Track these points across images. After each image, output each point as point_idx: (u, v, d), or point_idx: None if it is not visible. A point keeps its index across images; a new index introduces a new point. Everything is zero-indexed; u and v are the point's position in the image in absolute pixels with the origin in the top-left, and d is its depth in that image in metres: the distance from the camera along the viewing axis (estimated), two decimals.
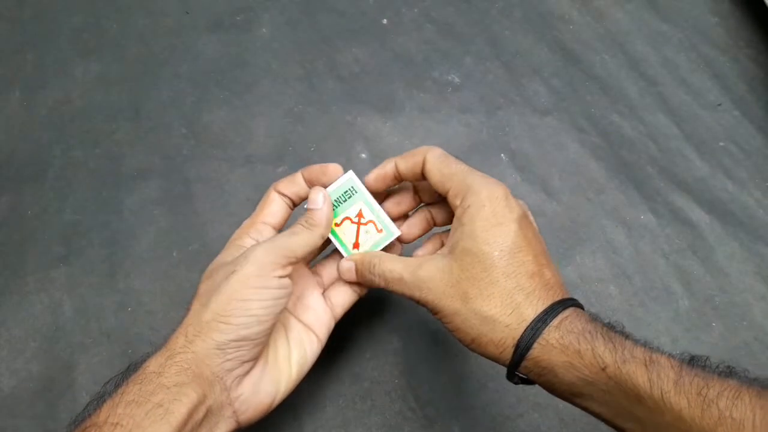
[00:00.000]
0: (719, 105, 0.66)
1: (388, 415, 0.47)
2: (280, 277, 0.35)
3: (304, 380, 0.47)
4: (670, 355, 0.29)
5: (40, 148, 0.58)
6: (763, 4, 0.70)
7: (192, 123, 0.61)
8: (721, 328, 0.52)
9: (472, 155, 0.60)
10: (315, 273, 0.43)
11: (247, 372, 0.35)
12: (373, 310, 0.51)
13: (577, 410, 0.47)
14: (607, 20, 0.72)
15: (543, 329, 0.32)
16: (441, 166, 0.38)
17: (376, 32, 0.69)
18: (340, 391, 0.47)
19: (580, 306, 0.34)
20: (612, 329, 0.32)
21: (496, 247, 0.34)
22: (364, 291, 0.42)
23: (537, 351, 0.32)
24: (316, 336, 0.40)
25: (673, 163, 0.61)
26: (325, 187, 0.41)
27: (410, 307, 0.51)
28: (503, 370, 0.48)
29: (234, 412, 0.34)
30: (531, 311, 0.32)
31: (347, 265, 0.41)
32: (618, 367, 0.29)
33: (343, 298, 0.42)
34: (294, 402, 0.47)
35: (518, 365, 0.32)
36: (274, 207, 0.41)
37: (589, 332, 0.31)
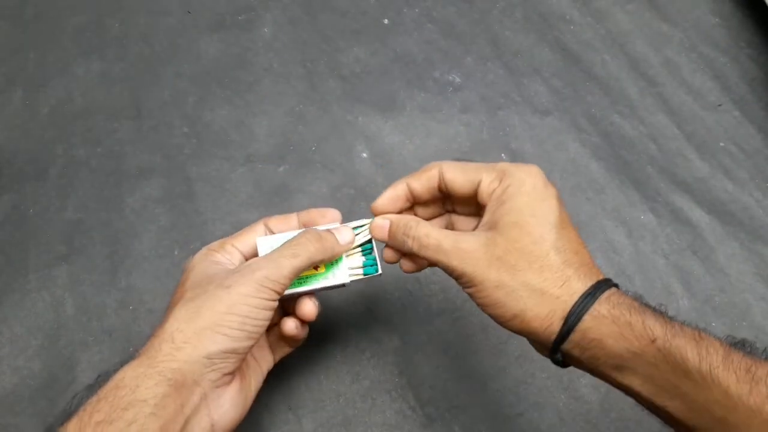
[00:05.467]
0: (720, 105, 0.66)
1: (388, 414, 0.47)
2: (273, 299, 0.35)
3: (304, 380, 0.48)
4: (717, 337, 0.29)
5: (41, 146, 0.58)
6: (764, 4, 0.70)
7: (193, 122, 0.61)
8: (721, 328, 0.52)
9: (472, 155, 0.60)
10: None
11: (228, 384, 0.35)
12: (373, 309, 0.51)
13: (577, 410, 0.47)
14: (607, 20, 0.72)
15: (593, 302, 0.31)
16: (462, 169, 0.37)
17: (377, 32, 0.69)
18: (341, 390, 0.48)
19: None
20: (657, 310, 0.32)
21: (544, 220, 0.34)
22: (290, 350, 0.43)
23: (587, 322, 0.31)
24: (261, 370, 0.40)
25: (674, 164, 0.61)
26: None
27: (410, 306, 0.51)
28: (503, 369, 0.49)
29: (212, 425, 0.34)
30: (581, 285, 0.32)
31: (381, 222, 0.39)
32: (668, 339, 0.29)
33: (281, 350, 0.42)
34: (294, 401, 0.47)
35: (565, 338, 0.32)
36: (253, 238, 0.40)
37: (639, 308, 0.31)
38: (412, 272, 0.41)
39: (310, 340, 0.49)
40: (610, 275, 0.53)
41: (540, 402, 0.48)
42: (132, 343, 0.49)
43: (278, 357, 0.42)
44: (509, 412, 0.47)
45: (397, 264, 0.41)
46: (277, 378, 0.47)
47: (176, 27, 0.68)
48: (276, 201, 0.56)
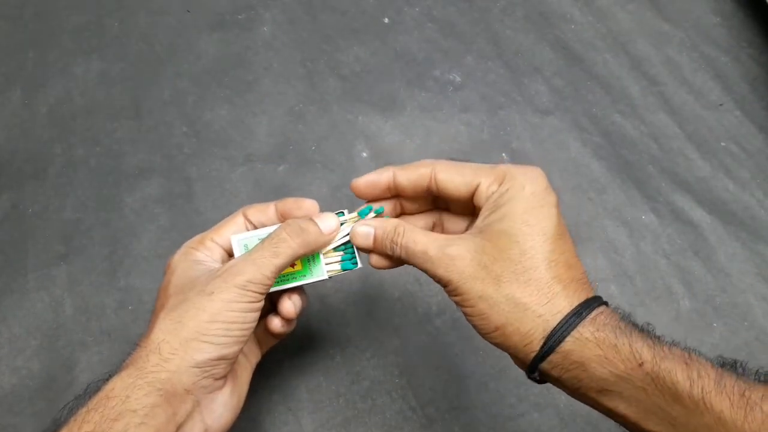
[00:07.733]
0: (721, 105, 0.66)
1: (388, 414, 0.47)
2: (257, 301, 0.35)
3: (303, 381, 0.48)
4: (708, 358, 0.28)
5: (41, 146, 0.58)
6: (765, 4, 0.70)
7: (193, 121, 0.61)
8: (722, 329, 0.52)
9: (473, 155, 0.60)
10: None
11: (220, 388, 0.35)
12: (373, 310, 0.51)
13: (578, 410, 0.47)
14: (608, 20, 0.72)
15: (578, 323, 0.30)
16: (459, 171, 0.35)
17: (377, 31, 0.69)
18: (340, 390, 0.47)
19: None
20: (645, 330, 0.31)
21: (539, 230, 0.32)
22: (273, 343, 0.42)
23: (569, 344, 0.30)
24: (249, 365, 0.40)
25: (675, 163, 0.61)
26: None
27: (410, 306, 0.51)
28: (503, 369, 0.49)
29: (206, 430, 0.34)
30: (566, 303, 0.31)
31: (364, 230, 0.37)
32: (657, 363, 0.28)
33: (268, 342, 0.42)
34: (294, 402, 0.47)
35: (544, 359, 0.31)
36: (234, 230, 0.39)
37: (625, 329, 0.30)
38: (383, 269, 0.39)
39: (310, 340, 0.49)
40: (611, 276, 0.54)
41: (541, 403, 0.48)
42: (131, 343, 0.47)
43: (265, 349, 0.42)
44: (510, 413, 0.47)
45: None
46: (277, 379, 0.47)
47: (176, 26, 0.67)
48: (276, 201, 0.56)
